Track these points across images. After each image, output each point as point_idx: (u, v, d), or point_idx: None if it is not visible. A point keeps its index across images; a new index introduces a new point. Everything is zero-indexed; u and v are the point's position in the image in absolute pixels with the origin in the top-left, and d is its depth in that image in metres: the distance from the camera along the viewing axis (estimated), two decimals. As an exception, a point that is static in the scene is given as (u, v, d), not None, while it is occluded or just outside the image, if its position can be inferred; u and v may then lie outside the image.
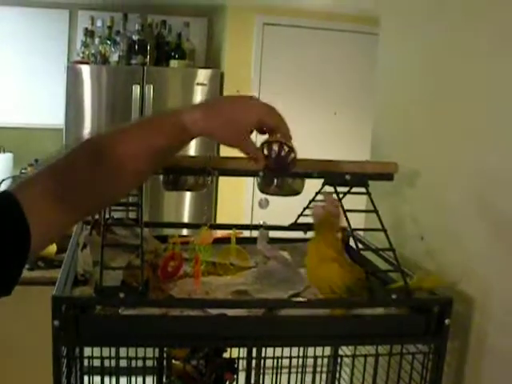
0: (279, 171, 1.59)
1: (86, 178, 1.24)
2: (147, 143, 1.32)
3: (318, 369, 2.12)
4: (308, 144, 5.04)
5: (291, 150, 1.50)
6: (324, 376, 2.17)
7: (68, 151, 1.26)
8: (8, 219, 1.08)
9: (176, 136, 1.36)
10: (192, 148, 5.19)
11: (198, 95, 5.22)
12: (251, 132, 1.43)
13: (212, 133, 1.40)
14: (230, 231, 2.01)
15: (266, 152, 1.47)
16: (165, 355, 1.96)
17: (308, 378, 2.13)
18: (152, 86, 5.10)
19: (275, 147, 1.48)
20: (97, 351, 1.79)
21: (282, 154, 1.48)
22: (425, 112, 2.00)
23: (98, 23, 5.30)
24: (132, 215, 1.92)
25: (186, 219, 5.28)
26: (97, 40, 5.25)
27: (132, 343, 1.59)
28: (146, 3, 5.36)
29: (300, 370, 2.12)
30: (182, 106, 1.42)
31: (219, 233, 2.09)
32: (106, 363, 1.77)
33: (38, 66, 5.40)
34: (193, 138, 1.39)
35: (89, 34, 5.26)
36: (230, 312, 1.55)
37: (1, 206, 1.09)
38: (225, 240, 2.00)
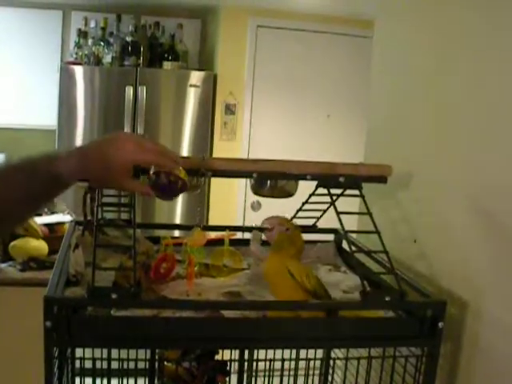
0: (168, 198, 1.59)
1: None
2: (24, 191, 1.34)
3: (311, 372, 2.11)
4: (301, 146, 5.06)
5: (178, 178, 1.49)
6: (316, 379, 2.16)
7: None
8: None
9: (51, 184, 1.38)
10: (185, 149, 5.19)
11: (191, 97, 5.21)
12: (130, 171, 1.42)
13: (90, 180, 1.44)
14: (223, 233, 2.00)
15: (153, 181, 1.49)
16: (157, 357, 1.95)
17: (300, 380, 2.12)
18: (145, 88, 5.09)
19: (163, 179, 1.48)
20: (88, 352, 1.78)
21: (170, 183, 1.49)
22: (419, 114, 2.00)
23: (92, 24, 5.29)
24: (124, 216, 1.92)
25: (178, 220, 5.27)
26: (90, 41, 5.23)
27: (124, 345, 1.59)
28: (140, 4, 5.35)
29: (292, 372, 2.11)
30: (56, 150, 1.44)
31: (212, 234, 2.09)
32: (98, 364, 1.76)
33: (31, 67, 5.39)
34: (69, 186, 1.41)
35: (82, 34, 5.24)
36: (223, 313, 1.55)
37: None
38: (218, 242, 2.00)
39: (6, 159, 5.02)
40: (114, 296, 1.44)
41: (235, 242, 2.05)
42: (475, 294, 1.65)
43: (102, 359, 1.73)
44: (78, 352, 1.79)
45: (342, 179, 1.72)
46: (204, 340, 1.57)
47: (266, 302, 1.66)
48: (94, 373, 1.75)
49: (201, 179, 1.74)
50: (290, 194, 1.85)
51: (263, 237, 1.94)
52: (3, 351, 3.38)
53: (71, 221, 2.12)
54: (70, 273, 1.69)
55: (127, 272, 1.57)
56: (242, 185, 5.12)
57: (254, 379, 1.97)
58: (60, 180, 1.36)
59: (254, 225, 2.08)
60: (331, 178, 1.72)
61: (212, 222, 5.19)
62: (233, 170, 1.73)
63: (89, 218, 1.85)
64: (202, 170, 1.67)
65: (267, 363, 2.00)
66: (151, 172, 1.47)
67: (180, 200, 5.23)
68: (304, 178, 1.73)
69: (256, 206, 5.19)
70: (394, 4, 2.26)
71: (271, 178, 1.79)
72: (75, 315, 1.47)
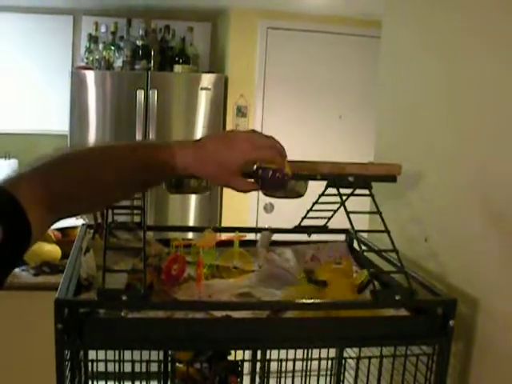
0: (273, 192, 1.60)
1: (77, 194, 1.27)
2: (135, 176, 1.35)
3: (323, 372, 2.11)
4: (313, 147, 5.05)
5: (283, 172, 1.49)
6: (328, 379, 2.16)
7: (58, 158, 1.28)
8: (13, 221, 1.09)
9: (164, 173, 1.39)
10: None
11: (203, 100, 5.22)
12: (241, 170, 1.44)
13: (202, 175, 1.44)
14: (233, 234, 2.01)
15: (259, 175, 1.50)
16: (169, 358, 1.96)
17: (313, 380, 2.12)
18: (156, 91, 5.09)
19: (269, 173, 1.49)
20: (101, 355, 1.78)
21: (275, 178, 1.49)
22: (428, 113, 2.00)
23: (102, 29, 5.30)
24: (137, 219, 1.93)
25: (191, 223, 5.27)
26: (101, 45, 5.25)
27: (136, 346, 1.59)
28: (150, 8, 5.36)
29: (304, 373, 2.11)
30: (172, 140, 1.44)
31: (224, 236, 2.10)
32: (111, 367, 1.77)
33: (42, 72, 5.41)
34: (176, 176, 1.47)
35: (93, 39, 5.25)
36: (234, 314, 1.55)
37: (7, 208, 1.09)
38: (228, 243, 2.00)
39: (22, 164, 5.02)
40: (124, 298, 1.45)
41: (246, 243, 2.05)
42: (486, 292, 1.65)
43: (114, 361, 1.74)
44: (91, 355, 1.80)
45: (351, 179, 1.72)
46: (216, 341, 1.58)
47: (276, 302, 1.66)
48: (106, 375, 1.75)
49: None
50: (299, 195, 1.86)
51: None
52: (17, 355, 3.40)
53: (82, 224, 2.13)
54: (82, 276, 1.69)
55: (140, 274, 1.58)
56: (254, 187, 5.10)
57: (266, 380, 1.97)
58: (173, 170, 1.37)
59: (266, 226, 2.09)
60: (341, 177, 1.72)
61: (225, 223, 5.19)
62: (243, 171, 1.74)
63: (99, 221, 1.86)
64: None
65: (279, 363, 2.00)
66: (255, 166, 1.49)
67: (193, 202, 5.23)
68: (313, 178, 1.73)
69: (269, 208, 5.20)
70: (400, 3, 2.26)
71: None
72: (87, 317, 1.48)
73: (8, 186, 1.12)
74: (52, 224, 1.24)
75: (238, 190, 1.46)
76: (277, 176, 1.48)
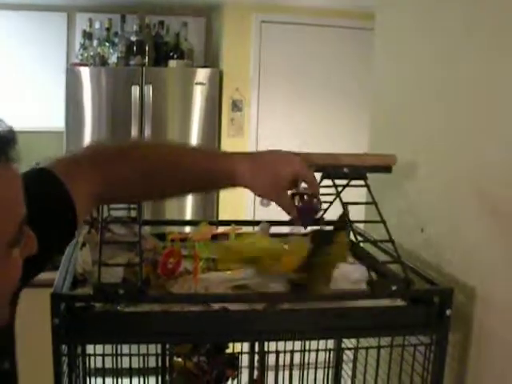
0: (307, 221, 1.64)
1: (132, 191, 1.31)
2: (194, 183, 1.45)
3: (320, 364, 2.11)
4: (309, 141, 5.04)
5: (319, 202, 1.56)
6: (326, 371, 2.16)
7: (116, 151, 1.32)
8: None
9: (222, 181, 1.43)
10: (193, 140, 5.20)
11: (198, 94, 5.22)
12: (290, 187, 1.52)
13: (254, 187, 1.50)
14: (229, 227, 2.00)
15: (296, 203, 1.55)
16: (167, 352, 1.95)
17: (311, 373, 2.12)
18: (151, 87, 5.09)
19: (306, 199, 1.55)
20: (99, 349, 1.78)
21: (313, 206, 1.53)
22: (423, 103, 2.00)
23: (96, 25, 5.29)
24: (133, 214, 1.92)
25: (188, 217, 5.26)
26: (95, 42, 5.24)
27: (133, 340, 1.59)
28: (144, 4, 5.36)
29: (302, 365, 2.11)
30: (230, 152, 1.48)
31: (220, 229, 2.09)
32: (108, 362, 1.76)
33: (37, 70, 5.39)
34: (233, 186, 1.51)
35: (87, 36, 5.25)
36: (231, 307, 1.55)
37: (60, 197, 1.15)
38: (224, 236, 2.00)
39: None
40: (121, 292, 1.45)
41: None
42: (483, 281, 1.65)
43: (112, 355, 1.73)
44: (88, 349, 1.80)
45: (346, 170, 1.72)
46: (213, 334, 1.58)
47: (275, 295, 1.66)
48: (103, 370, 1.75)
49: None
50: (294, 186, 1.85)
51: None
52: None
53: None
54: (78, 271, 1.69)
55: (136, 268, 1.58)
56: (251, 180, 5.10)
57: (265, 373, 1.97)
58: (233, 180, 1.45)
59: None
60: (335, 169, 1.72)
61: (222, 217, 5.19)
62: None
63: (94, 215, 1.85)
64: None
65: (277, 356, 2.00)
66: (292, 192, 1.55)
67: (190, 197, 5.21)
68: (308, 169, 1.73)
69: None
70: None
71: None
72: (83, 312, 1.48)
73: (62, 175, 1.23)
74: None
75: (284, 208, 1.50)
76: (312, 205, 1.51)
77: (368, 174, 1.74)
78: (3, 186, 0.88)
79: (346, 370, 2.12)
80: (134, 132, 5.10)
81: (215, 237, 1.97)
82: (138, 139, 1.57)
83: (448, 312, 1.57)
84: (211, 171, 1.42)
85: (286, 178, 1.48)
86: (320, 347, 2.03)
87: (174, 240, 1.86)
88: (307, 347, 2.06)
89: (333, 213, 2.04)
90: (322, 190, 1.89)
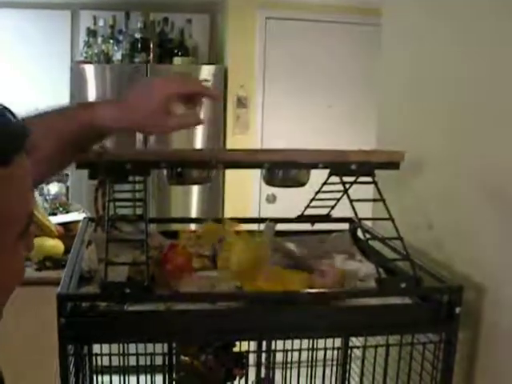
0: None
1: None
2: (59, 131, 1.38)
3: (328, 362, 2.10)
4: (315, 136, 5.02)
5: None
6: (334, 369, 2.15)
7: None
8: None
9: (87, 127, 1.38)
10: (198, 144, 5.18)
11: (203, 92, 5.20)
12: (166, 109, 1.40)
13: (131, 125, 1.43)
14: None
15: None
16: (174, 351, 1.95)
17: (318, 371, 2.11)
18: (156, 84, 5.08)
19: None
20: (105, 349, 1.77)
21: None
22: (431, 99, 1.99)
23: (100, 22, 5.28)
24: (138, 211, 1.91)
25: (193, 215, 5.25)
26: (99, 39, 5.23)
27: (139, 339, 1.58)
28: (148, 1, 5.34)
29: (310, 363, 2.09)
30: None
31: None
32: (115, 361, 1.75)
33: (41, 68, 5.38)
34: (106, 132, 1.42)
35: (91, 33, 5.24)
36: (237, 305, 1.54)
37: None
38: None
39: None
40: (127, 290, 1.44)
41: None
42: (492, 279, 1.64)
43: (118, 354, 1.72)
44: (94, 349, 1.79)
45: (354, 166, 1.70)
46: (220, 332, 1.57)
47: (282, 293, 1.65)
48: (110, 369, 1.74)
49: (211, 171, 1.73)
50: (301, 184, 1.84)
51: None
52: (20, 350, 3.39)
53: (84, 218, 2.12)
54: (84, 269, 1.68)
55: (141, 267, 1.57)
56: (256, 177, 5.08)
57: (271, 370, 1.96)
58: (100, 128, 1.38)
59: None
60: (343, 165, 1.71)
61: (227, 214, 5.17)
62: (244, 160, 1.72)
63: (101, 213, 1.84)
64: (212, 162, 1.66)
65: (284, 355, 1.99)
66: None
67: (195, 194, 5.21)
68: (316, 166, 1.72)
69: (271, 199, 5.18)
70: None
71: (282, 168, 1.78)
72: (90, 311, 1.47)
73: None
74: None
75: (164, 128, 1.45)
76: None
77: (375, 172, 1.73)
78: (22, 175, 0.88)
79: (355, 368, 2.11)
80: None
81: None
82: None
83: (457, 310, 1.55)
84: (81, 127, 1.38)
85: (155, 102, 1.38)
86: (328, 345, 2.02)
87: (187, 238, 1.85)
88: (315, 345, 2.05)
89: (340, 209, 2.04)
90: (329, 188, 1.88)
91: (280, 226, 2.06)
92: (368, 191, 1.82)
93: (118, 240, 1.77)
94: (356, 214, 1.70)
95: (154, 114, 1.39)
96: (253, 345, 1.96)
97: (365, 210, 1.92)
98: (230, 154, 1.71)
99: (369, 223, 2.01)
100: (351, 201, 1.70)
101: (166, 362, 1.87)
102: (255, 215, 5.13)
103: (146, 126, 1.44)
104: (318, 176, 1.85)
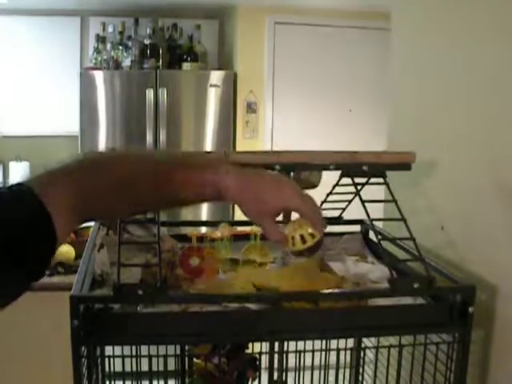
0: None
1: (110, 202, 1.21)
2: (174, 193, 1.27)
3: (341, 365, 2.10)
4: (324, 141, 5.03)
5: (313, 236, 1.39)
6: (347, 371, 2.15)
7: (90, 164, 1.21)
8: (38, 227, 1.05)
9: (205, 194, 1.30)
10: (208, 149, 5.19)
11: (212, 97, 5.21)
12: (277, 214, 1.36)
13: (239, 204, 1.34)
14: (249, 228, 1.98)
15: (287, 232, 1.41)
16: (186, 353, 1.95)
17: (331, 373, 2.10)
18: (165, 90, 5.10)
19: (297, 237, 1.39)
20: (117, 351, 1.77)
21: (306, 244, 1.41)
22: (442, 100, 1.98)
23: (110, 29, 5.31)
24: (149, 215, 1.91)
25: (203, 218, 5.24)
26: (109, 46, 5.26)
27: (152, 341, 1.58)
28: (157, 7, 5.35)
29: (323, 364, 2.09)
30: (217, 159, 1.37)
31: (239, 229, 2.08)
32: (127, 363, 1.75)
33: (51, 74, 5.42)
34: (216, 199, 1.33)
35: (100, 39, 5.27)
36: (251, 306, 1.54)
37: (32, 212, 1.05)
38: (244, 237, 1.98)
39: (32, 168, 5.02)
40: (140, 292, 1.44)
41: (262, 236, 2.03)
42: (505, 278, 1.64)
43: (131, 356, 1.72)
44: (107, 351, 1.79)
45: (365, 168, 1.70)
46: (233, 334, 1.57)
47: (295, 294, 1.65)
48: (123, 371, 1.74)
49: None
50: (313, 185, 1.83)
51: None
52: (33, 355, 3.40)
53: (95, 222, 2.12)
54: (96, 273, 1.68)
55: (153, 269, 1.57)
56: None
57: (284, 372, 1.95)
58: (214, 192, 1.28)
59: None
60: (354, 166, 1.70)
61: (237, 217, 5.16)
62: (256, 163, 1.72)
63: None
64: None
65: (297, 357, 1.98)
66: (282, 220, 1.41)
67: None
68: (327, 167, 1.71)
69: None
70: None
71: (294, 170, 1.77)
72: (102, 313, 1.47)
73: (37, 188, 1.07)
74: (76, 227, 1.20)
75: (266, 235, 1.39)
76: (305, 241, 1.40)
77: (387, 173, 1.73)
78: None
79: (367, 370, 2.10)
80: (149, 135, 5.10)
81: (236, 238, 1.96)
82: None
83: (471, 310, 1.55)
84: (195, 185, 1.29)
85: (275, 207, 1.32)
86: (340, 347, 2.01)
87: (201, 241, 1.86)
88: (327, 346, 2.05)
89: (352, 211, 2.04)
90: (340, 190, 1.88)
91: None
92: (377, 194, 1.82)
93: (131, 242, 1.77)
94: (368, 214, 1.69)
95: (265, 214, 1.34)
96: (265, 348, 1.96)
97: (376, 213, 1.92)
98: (241, 156, 1.70)
99: (379, 224, 2.01)
100: (363, 202, 1.69)
101: (179, 365, 1.87)
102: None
103: (252, 216, 1.37)
104: (329, 178, 1.84)
